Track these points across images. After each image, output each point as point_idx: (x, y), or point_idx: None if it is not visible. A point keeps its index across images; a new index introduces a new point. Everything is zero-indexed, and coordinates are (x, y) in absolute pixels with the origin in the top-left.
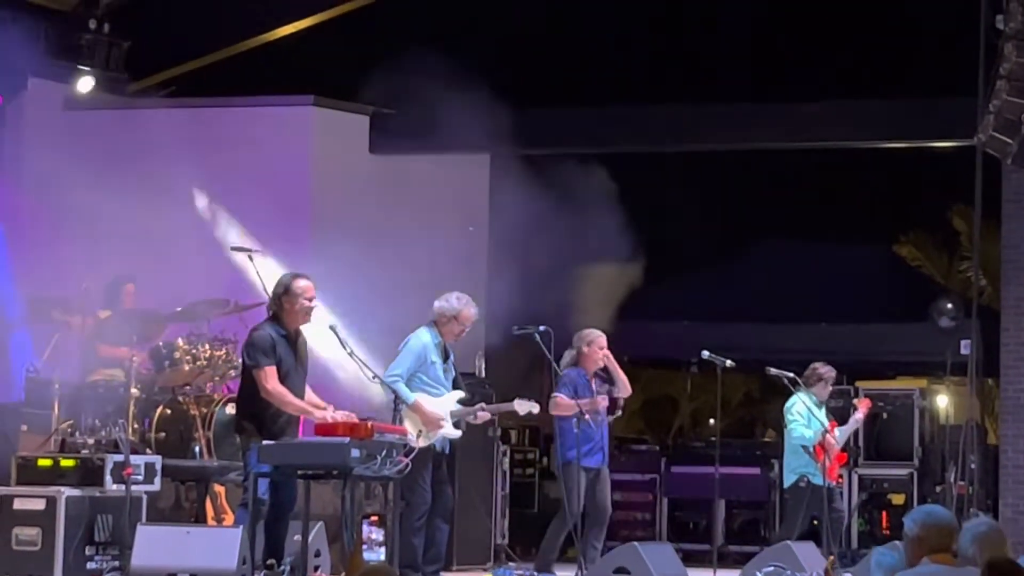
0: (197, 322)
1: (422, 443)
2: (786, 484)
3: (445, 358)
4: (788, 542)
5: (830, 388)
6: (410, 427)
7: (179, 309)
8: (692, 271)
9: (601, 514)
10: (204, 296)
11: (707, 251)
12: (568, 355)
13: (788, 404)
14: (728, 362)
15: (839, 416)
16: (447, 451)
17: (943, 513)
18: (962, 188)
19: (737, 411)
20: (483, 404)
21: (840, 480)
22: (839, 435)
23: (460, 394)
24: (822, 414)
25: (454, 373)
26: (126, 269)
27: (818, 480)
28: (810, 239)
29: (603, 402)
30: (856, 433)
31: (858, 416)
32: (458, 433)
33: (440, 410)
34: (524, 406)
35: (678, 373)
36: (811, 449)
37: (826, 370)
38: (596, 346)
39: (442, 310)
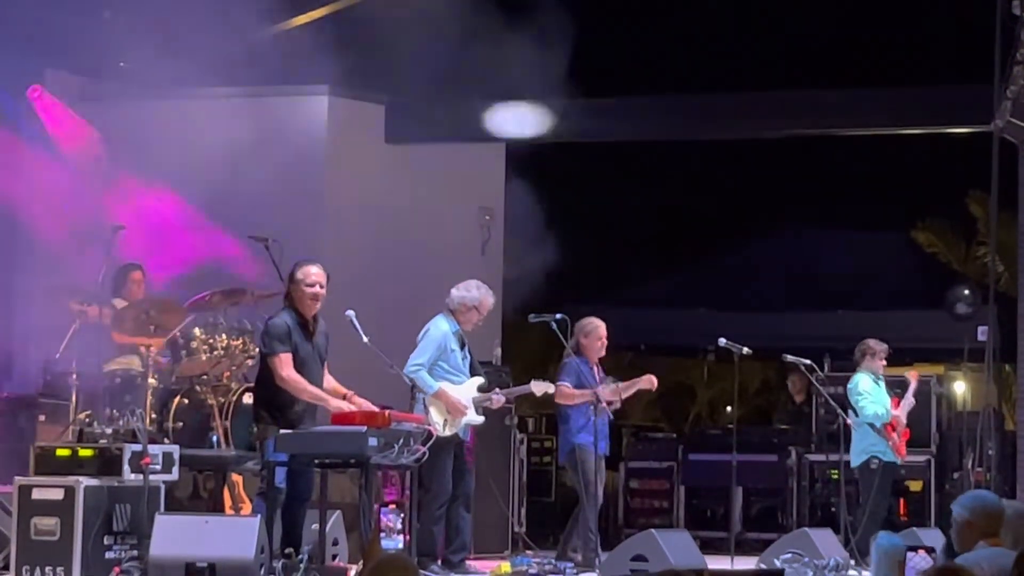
0: (214, 311)
1: (448, 431)
2: (855, 464)
3: (462, 345)
4: (806, 529)
5: (883, 361)
6: (435, 416)
7: (196, 298)
8: (709, 259)
9: (597, 502)
10: (221, 285)
11: (724, 239)
12: (569, 345)
13: (852, 383)
14: (745, 349)
15: None
16: (468, 438)
17: (991, 498)
18: (979, 174)
19: (754, 398)
20: (498, 388)
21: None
22: (902, 413)
23: (480, 380)
24: (884, 389)
25: (470, 359)
26: (142, 259)
27: (889, 457)
28: (827, 226)
29: (605, 392)
30: None
31: (912, 391)
32: (481, 419)
33: (463, 397)
34: (541, 387)
35: (695, 361)
36: (880, 427)
37: (875, 342)
38: (595, 336)
39: (464, 300)
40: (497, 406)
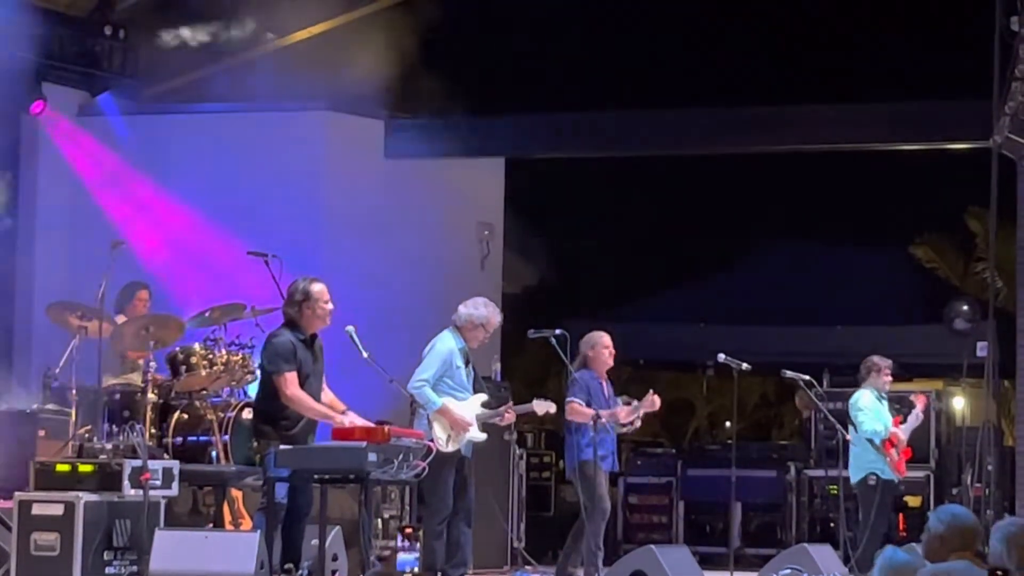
0: (214, 327)
1: (451, 448)
2: (853, 480)
3: (467, 362)
4: (805, 544)
5: (888, 378)
6: (439, 431)
7: (196, 314)
8: (708, 274)
9: (605, 515)
10: (220, 301)
11: (723, 254)
12: (576, 361)
13: (854, 399)
14: (744, 365)
15: None
16: (469, 455)
17: (967, 514)
18: (978, 190)
19: (753, 414)
20: (507, 406)
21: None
22: (904, 430)
23: (484, 397)
24: (886, 407)
25: (474, 376)
26: (142, 274)
27: (888, 475)
28: (826, 241)
29: (621, 413)
30: None
31: (917, 412)
32: (484, 436)
33: (467, 414)
34: (543, 406)
35: (694, 376)
36: (878, 443)
37: (879, 358)
38: (600, 347)
39: (471, 317)
40: (506, 423)
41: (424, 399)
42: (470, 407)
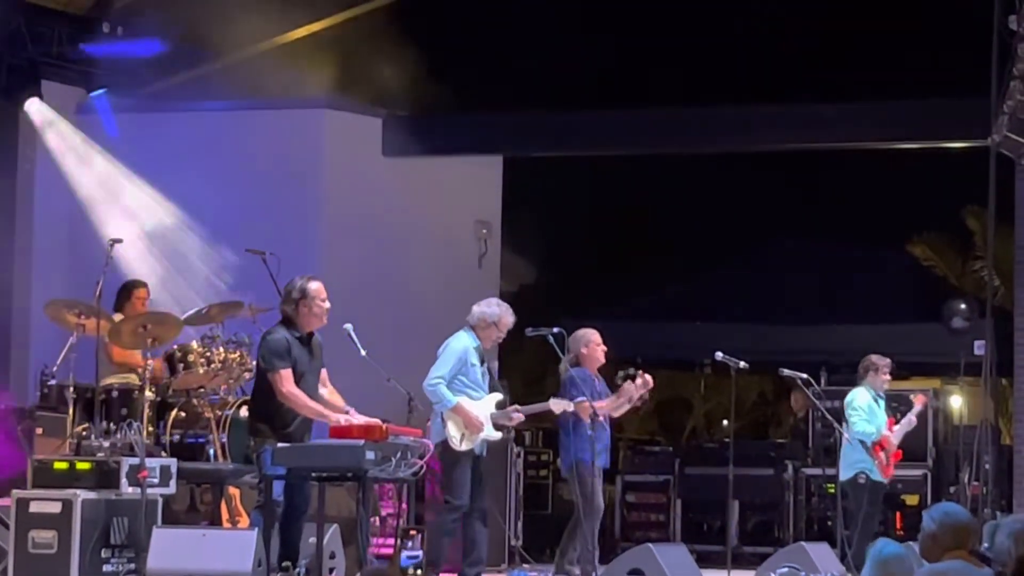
0: (211, 325)
1: (464, 447)
2: (843, 478)
3: (481, 361)
4: (802, 543)
5: (886, 377)
6: (453, 430)
7: (193, 312)
8: (705, 272)
9: (600, 513)
10: (218, 299)
11: (720, 252)
12: (566, 359)
13: (849, 397)
14: (742, 363)
15: None
16: (483, 454)
17: (962, 512)
18: (976, 189)
19: (751, 412)
20: (518, 406)
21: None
22: (896, 432)
23: (498, 396)
24: (882, 408)
25: (489, 376)
26: (140, 273)
27: (876, 476)
28: (823, 239)
29: (607, 404)
30: None
31: (911, 416)
32: (498, 435)
33: (481, 414)
34: (559, 404)
35: (692, 374)
36: (869, 445)
37: (878, 358)
38: (594, 344)
39: (484, 316)
40: (515, 423)
41: (438, 396)
42: (484, 406)
